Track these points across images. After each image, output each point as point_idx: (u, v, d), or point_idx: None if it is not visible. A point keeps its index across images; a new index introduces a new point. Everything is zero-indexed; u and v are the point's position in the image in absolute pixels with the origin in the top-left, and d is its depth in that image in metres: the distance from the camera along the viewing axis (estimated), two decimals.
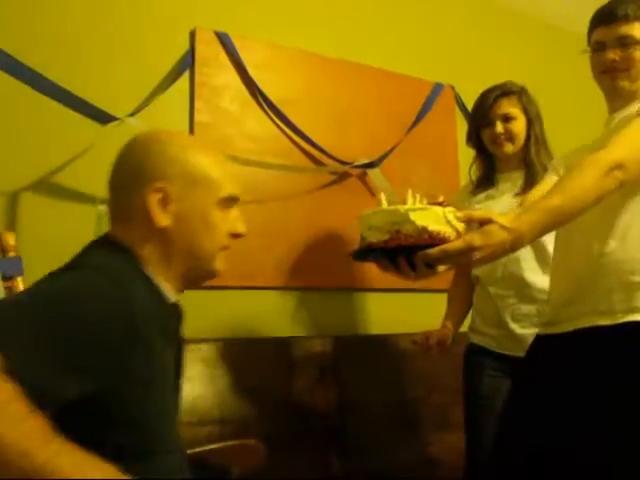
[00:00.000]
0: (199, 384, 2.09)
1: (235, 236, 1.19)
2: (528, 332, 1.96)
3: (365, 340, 2.53)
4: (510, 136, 2.07)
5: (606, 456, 1.34)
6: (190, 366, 2.09)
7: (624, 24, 1.53)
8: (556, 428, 1.44)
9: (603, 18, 1.58)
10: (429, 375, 2.53)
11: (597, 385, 1.39)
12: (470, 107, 2.26)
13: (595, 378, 1.40)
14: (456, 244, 1.15)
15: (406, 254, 1.18)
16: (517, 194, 2.05)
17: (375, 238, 1.18)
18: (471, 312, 2.19)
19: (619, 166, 1.31)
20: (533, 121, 2.10)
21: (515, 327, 2.00)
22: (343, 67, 2.72)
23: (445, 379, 2.48)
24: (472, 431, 2.03)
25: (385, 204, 1.22)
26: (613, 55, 1.55)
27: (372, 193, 2.67)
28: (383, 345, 2.51)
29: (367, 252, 1.22)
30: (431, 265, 1.18)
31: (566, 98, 3.59)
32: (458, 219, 1.19)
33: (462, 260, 1.18)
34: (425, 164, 2.83)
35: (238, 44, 2.48)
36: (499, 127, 2.06)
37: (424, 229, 1.15)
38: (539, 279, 1.97)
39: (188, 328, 2.17)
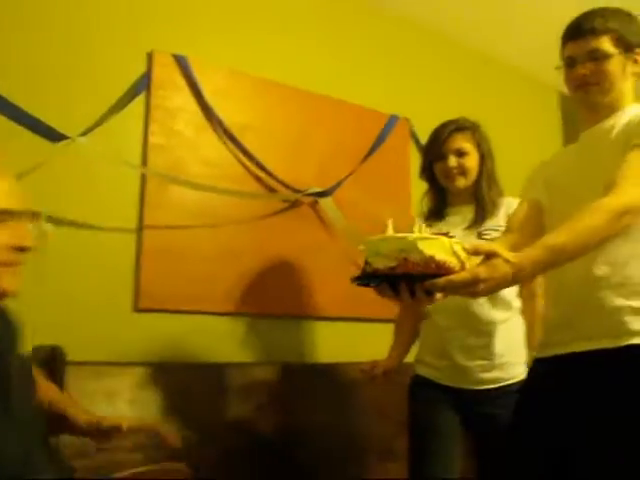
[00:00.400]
0: (134, 408, 2.06)
1: (20, 249, 1.15)
2: (473, 364, 1.99)
3: (313, 368, 2.53)
4: (463, 170, 2.09)
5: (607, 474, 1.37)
6: (128, 389, 2.08)
7: (592, 38, 1.54)
8: (559, 449, 1.46)
9: (572, 33, 1.59)
10: (375, 405, 2.53)
11: (602, 407, 1.40)
12: (424, 140, 2.29)
13: (599, 400, 1.41)
14: (463, 275, 1.19)
15: (408, 281, 1.21)
16: (467, 228, 2.08)
17: (382, 264, 1.21)
18: (417, 343, 2.20)
19: (629, 212, 1.34)
20: (485, 157, 2.13)
21: (461, 359, 2.01)
22: (300, 96, 2.76)
23: (391, 409, 2.49)
24: (415, 462, 2.02)
25: (391, 231, 1.25)
26: (584, 70, 1.55)
27: (323, 222, 2.69)
28: (331, 374, 2.51)
29: (371, 277, 1.24)
30: (430, 293, 1.23)
31: (517, 135, 3.70)
32: (464, 250, 1.23)
33: (467, 291, 1.21)
34: (378, 195, 2.86)
35: (196, 68, 2.49)
36: (452, 161, 2.08)
37: (431, 258, 1.19)
38: (486, 312, 1.98)
39: (131, 351, 2.17)
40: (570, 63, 1.58)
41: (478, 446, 2.03)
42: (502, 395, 2.00)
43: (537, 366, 1.62)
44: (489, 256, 1.23)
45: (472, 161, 2.10)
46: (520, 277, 1.25)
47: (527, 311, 2.07)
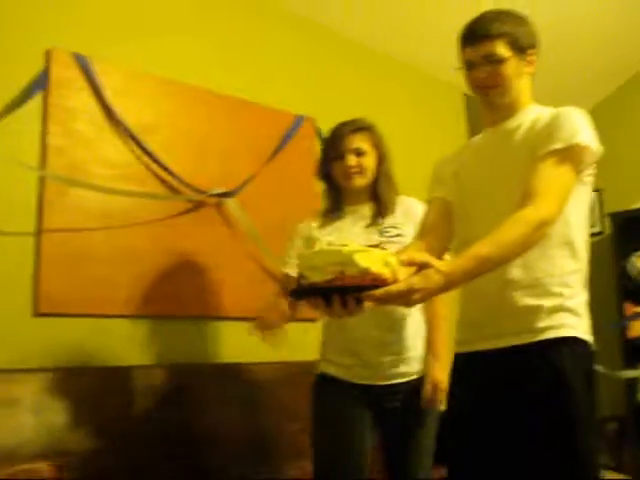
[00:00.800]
0: (37, 415, 2.03)
1: None
2: (385, 360, 2.04)
3: (219, 369, 2.55)
4: (361, 170, 2.12)
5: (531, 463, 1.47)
6: (30, 396, 2.05)
7: (487, 42, 1.59)
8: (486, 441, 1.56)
9: (468, 38, 1.64)
10: (284, 404, 2.58)
11: (519, 399, 1.51)
12: None
13: (516, 392, 1.51)
14: (399, 286, 1.25)
15: (342, 294, 1.25)
16: (368, 226, 2.13)
17: (319, 278, 1.24)
18: (322, 345, 2.18)
19: (546, 223, 1.44)
20: (383, 157, 2.17)
21: (372, 355, 2.04)
22: (204, 96, 2.75)
23: (300, 408, 2.54)
24: (323, 463, 2.04)
25: (325, 245, 1.29)
26: (482, 73, 1.62)
27: (228, 223, 2.71)
28: (237, 374, 2.54)
29: (309, 291, 1.27)
30: (361, 303, 1.28)
31: (423, 134, 3.82)
32: (399, 262, 1.28)
33: (401, 301, 1.27)
34: (284, 195, 2.90)
35: (97, 67, 2.46)
36: (351, 160, 2.11)
37: (367, 270, 1.22)
38: (398, 307, 2.05)
39: (32, 357, 2.13)
40: (469, 66, 1.65)
41: (387, 441, 2.09)
42: (409, 389, 2.07)
43: (458, 361, 1.71)
44: (422, 267, 1.30)
45: (370, 161, 2.14)
46: (451, 286, 1.34)
47: (428, 310, 2.12)
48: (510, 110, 1.67)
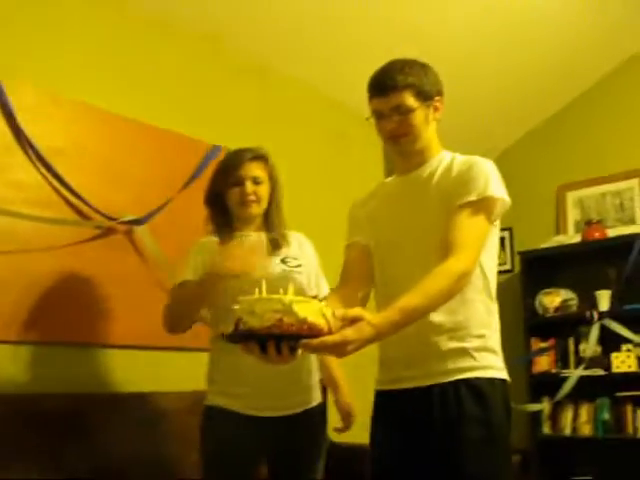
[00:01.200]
0: None
1: None
2: (284, 389, 2.02)
3: (117, 398, 2.50)
4: (258, 198, 2.13)
5: None
6: None
7: (395, 94, 1.67)
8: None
9: (376, 89, 1.72)
10: (185, 433, 2.52)
11: (448, 432, 1.59)
12: None
13: (445, 426, 1.60)
14: (334, 338, 1.32)
15: (277, 340, 1.31)
16: (268, 254, 2.11)
17: (257, 323, 1.30)
18: (211, 374, 2.13)
19: (468, 274, 1.55)
20: (275, 187, 2.19)
21: (271, 384, 1.99)
22: (118, 122, 2.73)
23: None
24: None
25: (265, 292, 1.34)
26: (390, 124, 1.70)
27: (138, 250, 2.68)
28: (136, 403, 2.49)
29: (245, 336, 1.32)
30: (294, 350, 1.34)
31: (338, 165, 3.90)
32: (333, 315, 1.35)
33: (336, 351, 1.35)
34: (197, 224, 2.87)
35: (7, 88, 2.41)
36: (249, 188, 2.11)
37: (304, 320, 1.29)
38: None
39: None
40: (378, 116, 1.72)
41: (281, 471, 2.09)
42: (306, 419, 2.08)
43: (381, 398, 1.77)
44: (354, 320, 1.37)
45: (265, 190, 2.16)
46: (381, 336, 1.42)
47: None
48: (421, 157, 1.75)
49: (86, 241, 2.55)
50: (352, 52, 3.58)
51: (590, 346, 4.05)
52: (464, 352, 1.63)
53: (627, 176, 4.40)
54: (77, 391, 2.40)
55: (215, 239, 2.16)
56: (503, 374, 1.67)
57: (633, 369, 3.94)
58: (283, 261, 2.12)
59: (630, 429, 3.92)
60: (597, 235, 4.27)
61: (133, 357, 2.63)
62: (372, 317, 1.39)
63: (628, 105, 4.48)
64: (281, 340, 1.31)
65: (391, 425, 1.70)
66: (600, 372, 4.02)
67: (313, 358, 2.11)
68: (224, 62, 3.30)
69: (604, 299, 4.13)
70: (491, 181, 1.64)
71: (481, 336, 1.65)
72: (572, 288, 4.31)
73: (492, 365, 1.65)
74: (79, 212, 2.55)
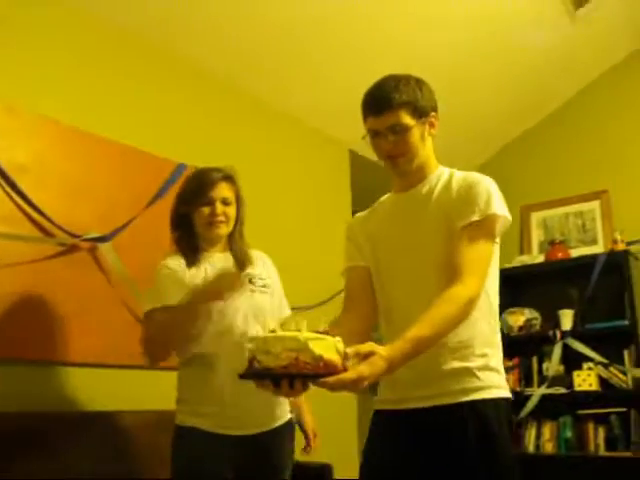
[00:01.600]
0: None
1: None
2: (259, 405, 2.02)
3: (77, 417, 2.46)
4: (227, 218, 2.12)
5: None
6: None
7: (391, 113, 1.63)
8: None
9: (371, 108, 1.67)
10: (146, 452, 2.50)
11: (445, 458, 1.59)
12: None
13: (442, 451, 1.60)
14: (350, 375, 1.32)
15: (291, 378, 1.31)
16: None
17: (273, 363, 1.31)
18: (181, 394, 2.12)
19: (473, 301, 1.55)
20: (241, 205, 2.19)
21: (248, 402, 1.99)
22: (83, 138, 2.71)
23: (160, 459, 2.49)
24: None
25: (279, 330, 1.35)
26: (387, 144, 1.67)
27: (101, 268, 2.66)
28: (97, 422, 2.46)
29: (259, 375, 1.33)
30: (307, 386, 1.34)
31: (307, 187, 3.92)
32: (345, 350, 1.35)
33: (352, 388, 1.34)
34: (162, 242, 2.84)
35: None
36: (220, 209, 2.10)
37: (320, 357, 1.29)
38: None
39: None
40: (374, 135, 1.69)
41: None
42: (277, 435, 2.08)
43: (381, 418, 1.75)
44: (367, 355, 1.37)
45: (234, 210, 2.15)
46: (394, 368, 1.41)
47: None
48: (419, 174, 1.74)
49: (49, 258, 2.51)
50: (314, 71, 3.62)
51: (553, 365, 4.11)
52: (468, 372, 1.62)
53: (589, 198, 4.51)
54: (37, 409, 2.36)
55: (181, 260, 2.13)
56: (506, 393, 1.68)
57: (594, 387, 4.01)
58: (250, 281, 2.12)
59: (592, 447, 3.98)
60: (560, 255, 4.35)
61: (94, 375, 2.59)
62: (383, 350, 1.39)
63: (591, 128, 4.60)
64: (295, 378, 1.32)
65: (391, 444, 1.69)
66: (562, 390, 4.08)
67: None
68: (190, 80, 3.31)
69: (567, 318, 4.20)
70: (493, 199, 1.64)
71: (484, 355, 1.64)
72: (536, 307, 4.38)
73: (496, 384, 1.65)
74: (42, 229, 2.52)
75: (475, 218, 1.61)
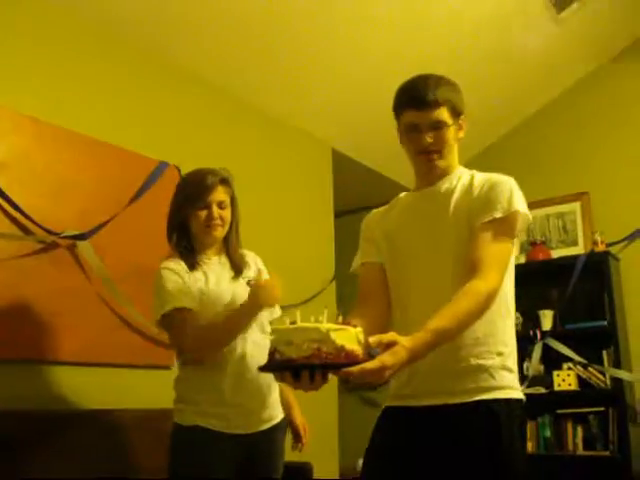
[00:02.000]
0: None
1: None
2: (259, 404, 2.07)
3: (56, 415, 2.43)
4: (223, 222, 2.13)
5: None
6: None
7: (435, 109, 1.66)
8: None
9: (414, 102, 1.68)
10: (136, 450, 2.49)
11: (454, 457, 1.58)
12: None
13: (451, 450, 1.58)
14: (373, 365, 1.32)
15: (312, 369, 1.32)
16: (234, 277, 2.14)
17: (295, 354, 1.31)
18: (185, 394, 2.09)
19: (493, 295, 1.56)
20: (235, 208, 2.20)
21: (251, 401, 2.05)
22: (61, 135, 2.69)
23: (144, 457, 2.48)
24: None
25: (299, 320, 1.36)
26: (428, 139, 1.68)
27: (81, 266, 2.64)
28: (78, 421, 2.45)
29: (279, 366, 1.34)
30: (326, 378, 1.34)
31: (290, 186, 3.92)
32: (368, 342, 1.36)
33: (374, 377, 1.34)
34: (143, 241, 2.83)
35: None
36: (216, 212, 2.10)
37: (342, 348, 1.31)
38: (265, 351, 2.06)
39: None
40: (413, 129, 1.70)
41: None
42: (273, 432, 2.11)
43: (391, 413, 1.73)
44: (389, 345, 1.37)
45: (229, 213, 2.16)
46: (415, 359, 1.42)
47: None
48: (442, 173, 1.76)
49: (27, 256, 2.49)
50: (297, 71, 3.62)
51: (533, 365, 4.14)
52: (483, 370, 1.61)
53: (570, 199, 4.54)
54: (14, 408, 2.32)
55: (181, 263, 2.12)
56: (520, 394, 1.67)
57: (573, 387, 4.05)
58: (248, 283, 2.13)
59: (570, 446, 4.02)
60: (541, 256, 4.38)
61: (73, 373, 2.57)
62: (406, 341, 1.39)
63: (572, 131, 4.65)
64: (318, 369, 1.32)
65: (401, 440, 1.67)
66: (542, 390, 4.11)
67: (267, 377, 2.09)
68: (172, 79, 3.29)
69: (547, 319, 4.24)
70: (515, 196, 1.65)
71: (500, 354, 1.64)
72: (517, 308, 4.38)
73: (510, 385, 1.64)
74: (21, 226, 2.49)
75: (498, 215, 1.63)
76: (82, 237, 2.62)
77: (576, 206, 4.52)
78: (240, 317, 2.02)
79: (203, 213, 2.12)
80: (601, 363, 4.03)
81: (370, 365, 1.32)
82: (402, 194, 1.89)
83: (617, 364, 3.95)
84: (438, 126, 1.68)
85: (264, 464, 2.11)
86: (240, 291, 2.08)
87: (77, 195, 2.70)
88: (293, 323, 1.36)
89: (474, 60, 3.97)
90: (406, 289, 1.74)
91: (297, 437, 2.39)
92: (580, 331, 4.14)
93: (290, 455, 2.42)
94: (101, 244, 2.70)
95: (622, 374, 3.90)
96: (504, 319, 1.68)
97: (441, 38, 3.75)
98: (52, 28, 2.78)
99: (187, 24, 3.11)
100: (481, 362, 1.62)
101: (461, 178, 1.75)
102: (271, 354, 1.36)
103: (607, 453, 3.89)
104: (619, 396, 3.92)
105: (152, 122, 3.13)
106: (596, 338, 4.08)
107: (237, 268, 2.17)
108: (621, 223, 4.31)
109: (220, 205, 2.13)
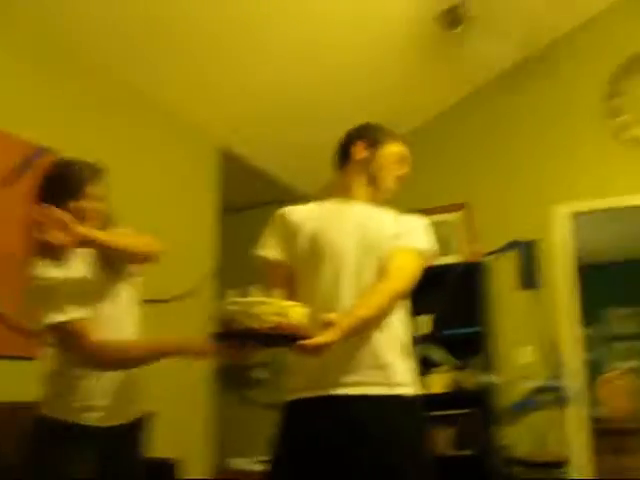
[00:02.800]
0: None
1: None
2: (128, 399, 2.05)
3: None
4: (98, 215, 2.05)
5: None
6: None
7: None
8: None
9: (395, 135, 2.08)
10: None
11: (372, 446, 1.68)
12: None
13: (367, 439, 1.68)
14: (322, 339, 1.51)
15: (259, 341, 1.52)
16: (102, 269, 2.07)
17: (257, 324, 1.44)
18: (60, 387, 2.01)
19: (398, 295, 1.78)
20: (107, 201, 2.11)
21: (115, 397, 2.01)
22: None
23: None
24: None
25: (259, 295, 1.50)
26: (407, 168, 2.08)
27: None
28: None
29: (246, 335, 1.47)
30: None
31: (171, 183, 3.84)
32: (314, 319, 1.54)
33: (319, 352, 1.52)
34: (15, 228, 2.68)
35: None
36: (91, 205, 2.03)
37: (299, 323, 1.49)
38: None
39: None
40: (401, 160, 2.07)
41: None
42: (135, 427, 2.09)
43: (297, 406, 1.78)
44: (329, 323, 1.54)
45: (102, 206, 2.09)
46: (341, 340, 1.57)
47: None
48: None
49: None
50: (191, 65, 3.57)
51: None
52: (398, 366, 1.76)
53: (450, 209, 4.74)
54: None
55: (49, 264, 1.96)
56: (420, 391, 1.83)
57: (446, 390, 4.23)
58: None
59: (441, 446, 4.17)
60: None
61: None
62: (342, 321, 1.57)
63: (455, 144, 4.86)
64: (272, 340, 1.50)
65: (312, 432, 1.72)
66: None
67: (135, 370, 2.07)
68: (59, 61, 3.15)
69: (425, 324, 4.39)
70: (430, 237, 1.91)
71: (410, 354, 1.82)
72: None
73: (414, 382, 1.81)
74: None
75: (419, 246, 1.88)
76: None
77: (456, 216, 4.71)
78: (161, 355, 2.01)
79: (77, 206, 2.00)
80: (473, 367, 4.23)
81: (321, 339, 1.50)
82: (327, 200, 1.99)
83: (486, 368, 4.16)
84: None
85: (127, 457, 2.07)
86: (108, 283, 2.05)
87: None
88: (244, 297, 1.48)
89: (369, 71, 4.06)
90: (329, 288, 1.81)
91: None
92: (455, 336, 4.32)
93: (162, 450, 2.37)
94: None
95: (490, 378, 4.13)
96: (405, 327, 1.87)
97: (343, 42, 3.82)
98: None
99: (81, 5, 2.98)
100: (395, 359, 1.78)
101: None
102: (228, 322, 1.46)
103: (474, 452, 4.08)
104: (486, 398, 4.14)
105: (32, 104, 2.97)
106: (469, 343, 4.27)
107: (107, 260, 2.08)
108: (499, 234, 4.54)
109: (94, 198, 2.05)
